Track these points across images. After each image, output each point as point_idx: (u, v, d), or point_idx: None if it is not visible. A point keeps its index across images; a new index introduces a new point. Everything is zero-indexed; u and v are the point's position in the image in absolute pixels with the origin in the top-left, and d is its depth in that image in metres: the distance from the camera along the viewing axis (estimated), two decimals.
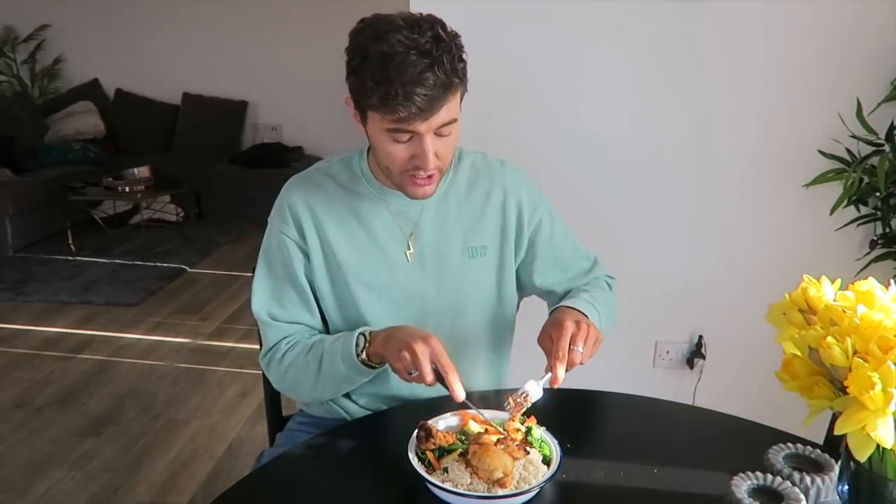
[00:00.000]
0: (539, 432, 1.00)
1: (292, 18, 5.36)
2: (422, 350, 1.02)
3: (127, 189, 4.52)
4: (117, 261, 4.42)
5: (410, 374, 1.04)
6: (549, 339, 1.08)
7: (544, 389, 1.02)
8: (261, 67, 5.61)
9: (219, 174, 5.29)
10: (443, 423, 1.03)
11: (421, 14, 1.05)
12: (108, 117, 5.69)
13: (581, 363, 1.04)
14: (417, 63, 0.99)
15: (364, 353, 1.10)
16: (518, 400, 1.01)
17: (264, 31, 5.53)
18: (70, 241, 4.59)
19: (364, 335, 1.12)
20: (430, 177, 1.11)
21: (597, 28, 1.97)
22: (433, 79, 1.00)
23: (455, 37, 1.05)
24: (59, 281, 4.07)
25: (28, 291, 3.91)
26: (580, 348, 1.04)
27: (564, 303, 1.18)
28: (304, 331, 1.23)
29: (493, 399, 1.09)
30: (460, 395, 1.02)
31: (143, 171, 4.59)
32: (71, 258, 4.46)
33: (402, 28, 1.01)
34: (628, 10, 1.93)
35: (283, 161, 5.24)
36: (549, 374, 1.03)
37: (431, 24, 1.03)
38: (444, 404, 1.09)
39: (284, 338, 1.22)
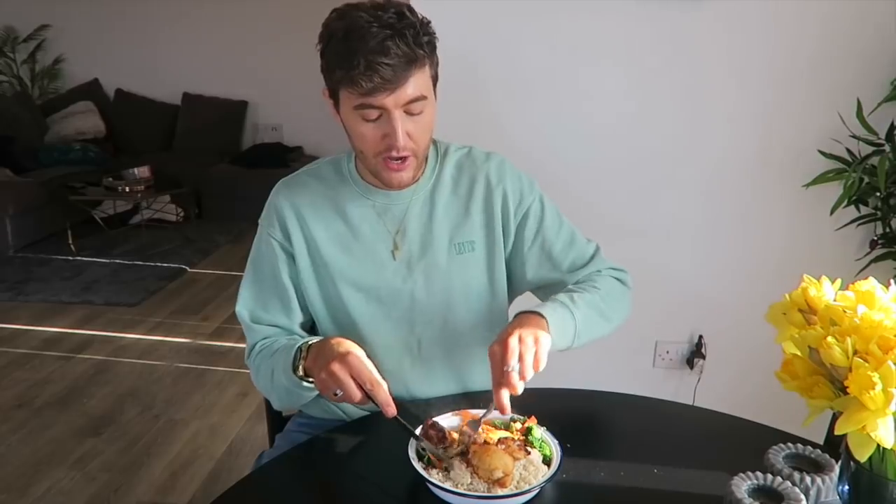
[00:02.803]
0: (539, 432, 1.00)
1: (292, 19, 5.35)
2: (339, 370, 0.99)
3: (127, 189, 4.52)
4: (117, 261, 4.42)
5: (336, 395, 1.01)
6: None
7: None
8: (261, 67, 5.62)
9: (219, 174, 5.30)
10: (444, 423, 1.03)
11: (390, 0, 1.05)
12: (108, 117, 5.69)
13: (524, 379, 0.98)
14: (378, 33, 1.00)
15: (300, 367, 1.08)
16: (469, 435, 1.00)
17: (264, 31, 5.54)
18: (70, 241, 4.59)
19: (301, 348, 1.09)
20: (403, 160, 1.09)
21: (597, 28, 1.96)
22: (395, 49, 1.00)
23: (425, 21, 1.06)
24: (59, 281, 4.08)
25: (28, 291, 3.92)
26: (513, 368, 0.97)
27: (543, 296, 1.13)
28: (279, 333, 1.22)
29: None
30: (390, 410, 0.99)
31: (143, 171, 4.59)
32: (71, 258, 4.46)
33: (366, 8, 1.02)
34: (628, 10, 1.93)
35: (283, 161, 5.24)
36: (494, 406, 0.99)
37: (397, 5, 1.04)
38: (445, 404, 1.09)
39: (261, 340, 1.21)
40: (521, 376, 0.98)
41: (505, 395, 0.98)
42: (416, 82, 1.04)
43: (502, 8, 1.96)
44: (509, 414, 1.00)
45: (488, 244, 1.23)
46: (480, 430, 1.00)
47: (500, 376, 0.98)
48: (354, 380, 0.99)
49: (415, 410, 1.07)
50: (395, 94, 1.03)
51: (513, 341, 0.99)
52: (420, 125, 1.09)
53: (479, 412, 1.04)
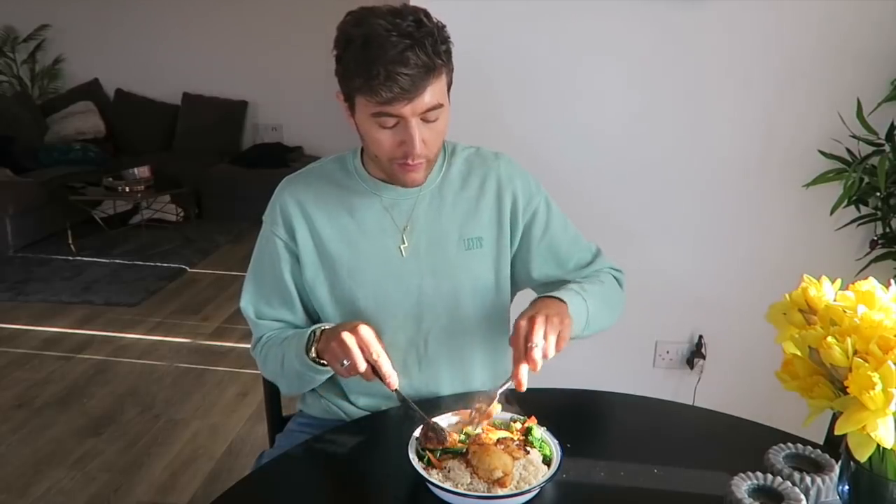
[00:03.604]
0: (539, 432, 1.00)
1: (293, 19, 5.37)
2: (348, 339, 1.03)
3: (127, 189, 4.52)
4: (117, 261, 4.42)
5: (343, 365, 1.04)
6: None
7: (512, 391, 1.02)
8: (261, 67, 5.62)
9: (219, 174, 5.30)
10: (444, 423, 1.03)
11: (406, 4, 1.05)
12: (108, 117, 5.69)
13: (545, 357, 1.01)
14: (398, 43, 1.00)
15: (313, 349, 1.11)
16: (482, 407, 1.02)
17: (264, 31, 5.54)
18: (70, 241, 4.59)
19: (314, 332, 1.12)
20: (418, 163, 1.11)
21: (598, 28, 1.96)
22: (414, 59, 1.00)
23: (440, 25, 1.06)
24: (59, 281, 4.08)
25: (28, 291, 3.92)
26: (537, 344, 1.00)
27: (544, 293, 1.16)
28: (285, 327, 1.25)
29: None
30: (393, 382, 1.04)
31: (143, 171, 4.59)
32: (71, 258, 4.46)
33: (384, 14, 1.02)
34: (630, 10, 1.93)
35: (283, 161, 5.24)
36: (511, 380, 1.01)
37: (414, 11, 1.04)
38: (446, 404, 1.09)
39: (267, 333, 1.25)
40: (544, 354, 1.00)
41: (524, 370, 1.00)
42: (434, 91, 1.05)
43: (506, 9, 1.96)
44: (525, 386, 1.01)
45: (496, 241, 1.24)
46: (492, 407, 1.02)
47: (523, 351, 1.01)
48: (363, 351, 1.03)
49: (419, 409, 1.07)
50: (412, 104, 1.03)
51: (540, 318, 1.02)
52: (435, 132, 1.10)
53: (412, 406, 1.05)
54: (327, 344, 1.07)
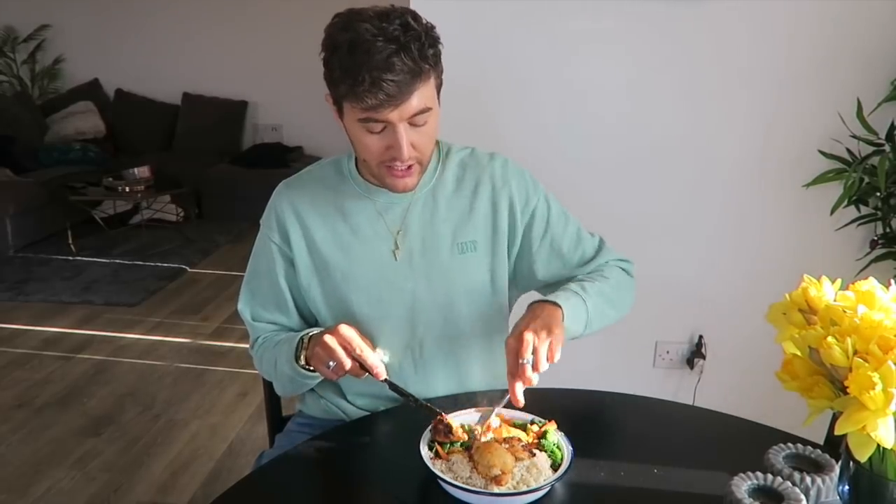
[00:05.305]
0: (555, 437, 1.00)
1: (293, 19, 5.36)
2: (330, 340, 1.05)
3: (127, 189, 4.51)
4: (117, 261, 4.42)
5: (329, 367, 1.06)
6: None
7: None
8: (261, 67, 5.62)
9: (219, 174, 5.30)
10: (458, 420, 1.03)
11: (393, 6, 1.04)
12: (108, 117, 5.69)
13: (537, 371, 1.01)
14: (384, 48, 0.98)
15: (302, 356, 1.12)
16: (482, 425, 1.02)
17: (264, 31, 5.54)
18: (70, 241, 4.59)
19: (303, 339, 1.13)
20: (408, 168, 1.10)
21: (597, 28, 1.96)
22: (400, 64, 0.99)
23: (429, 27, 1.05)
24: (60, 281, 4.08)
25: (28, 291, 3.92)
26: (528, 361, 1.00)
27: (540, 297, 1.16)
28: (281, 330, 1.27)
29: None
30: (381, 373, 1.07)
31: (143, 171, 4.58)
32: (71, 258, 4.46)
33: (371, 18, 1.01)
34: (629, 9, 1.93)
35: (283, 161, 5.24)
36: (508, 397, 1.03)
37: (401, 14, 1.03)
38: (446, 405, 1.09)
39: (263, 335, 1.27)
40: (535, 368, 1.01)
41: (519, 387, 1.01)
42: (421, 95, 1.04)
43: (501, 8, 1.96)
44: (522, 402, 1.01)
45: (491, 244, 1.23)
46: (491, 420, 1.02)
47: (515, 368, 1.01)
48: (346, 349, 1.05)
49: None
50: (399, 109, 1.03)
51: (528, 334, 1.02)
52: (424, 135, 1.09)
53: (407, 394, 1.08)
54: (313, 350, 1.09)
